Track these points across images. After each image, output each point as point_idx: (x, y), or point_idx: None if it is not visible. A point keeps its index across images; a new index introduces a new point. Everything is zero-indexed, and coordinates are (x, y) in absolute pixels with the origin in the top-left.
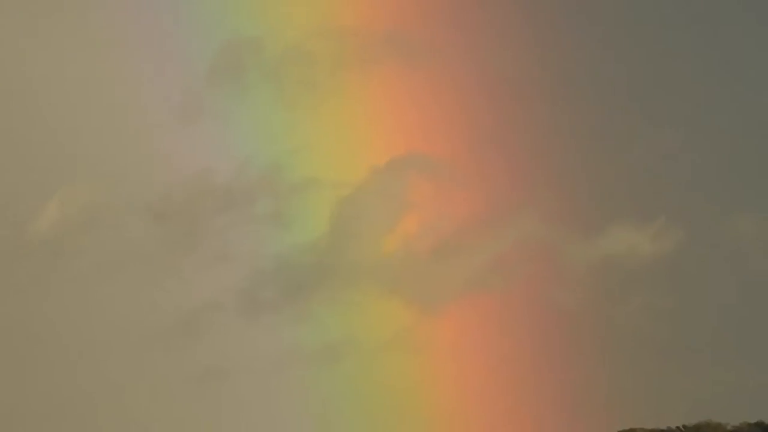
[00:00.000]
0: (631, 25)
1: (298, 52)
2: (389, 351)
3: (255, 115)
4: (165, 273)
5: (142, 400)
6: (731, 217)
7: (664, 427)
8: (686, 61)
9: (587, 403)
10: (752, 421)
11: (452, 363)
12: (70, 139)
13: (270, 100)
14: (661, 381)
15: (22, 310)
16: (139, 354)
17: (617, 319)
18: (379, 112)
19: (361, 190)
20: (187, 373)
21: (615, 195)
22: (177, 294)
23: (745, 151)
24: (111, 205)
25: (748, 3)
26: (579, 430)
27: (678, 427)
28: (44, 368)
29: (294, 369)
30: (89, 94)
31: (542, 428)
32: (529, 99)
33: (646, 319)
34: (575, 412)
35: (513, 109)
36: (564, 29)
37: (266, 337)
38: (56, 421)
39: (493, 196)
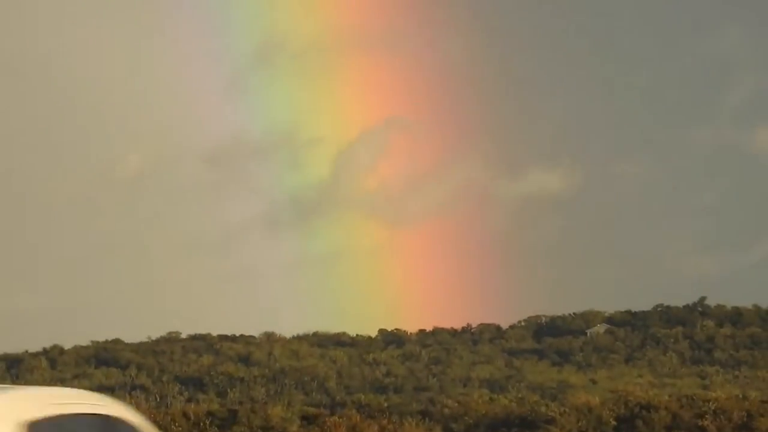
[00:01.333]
0: (546, 21)
1: (315, 45)
2: (372, 257)
3: (281, 90)
4: (213, 200)
5: (195, 290)
6: (618, 161)
7: (560, 313)
8: (585, 48)
9: (510, 293)
10: (622, 309)
11: (417, 266)
12: (151, 102)
13: (292, 79)
14: (560, 278)
15: (110, 228)
16: (193, 257)
17: (534, 236)
18: (370, 88)
19: (354, 145)
20: (227, 272)
21: (532, 145)
22: (222, 215)
23: (631, 107)
24: (176, 152)
25: None
26: (504, 311)
27: (570, 314)
28: (128, 264)
29: (304, 270)
30: (166, 71)
31: (482, 309)
32: (474, 79)
33: (554, 236)
34: (502, 299)
35: (464, 85)
36: (498, 26)
37: (284, 246)
38: (139, 292)
39: (447, 147)
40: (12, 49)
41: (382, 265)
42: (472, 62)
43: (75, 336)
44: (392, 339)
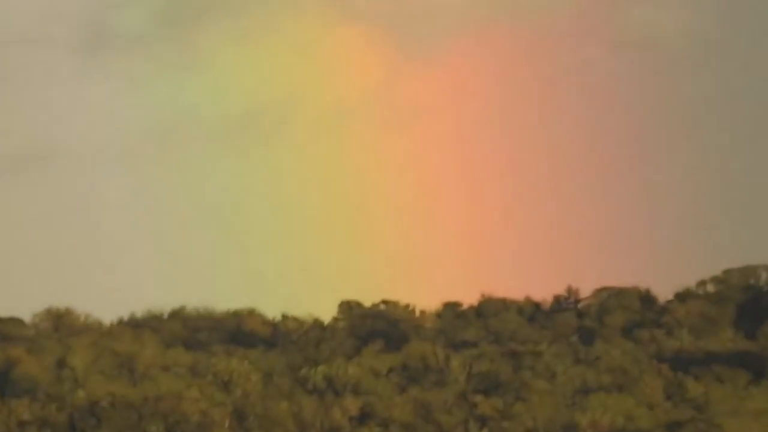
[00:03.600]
0: None
1: None
2: (352, 115)
3: None
4: None
5: None
6: None
7: None
8: None
9: (675, 218)
10: None
11: (441, 132)
12: None
13: None
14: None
15: None
16: None
17: (721, 52)
18: None
19: None
20: None
21: None
22: None
23: None
24: None
25: None
26: (662, 264)
27: None
28: None
29: (180, 139)
30: None
31: (601, 253)
32: None
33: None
34: (656, 231)
35: None
36: None
37: (123, 92)
38: None
39: None
40: None
41: (382, 132)
42: None
43: None
44: (374, 326)
